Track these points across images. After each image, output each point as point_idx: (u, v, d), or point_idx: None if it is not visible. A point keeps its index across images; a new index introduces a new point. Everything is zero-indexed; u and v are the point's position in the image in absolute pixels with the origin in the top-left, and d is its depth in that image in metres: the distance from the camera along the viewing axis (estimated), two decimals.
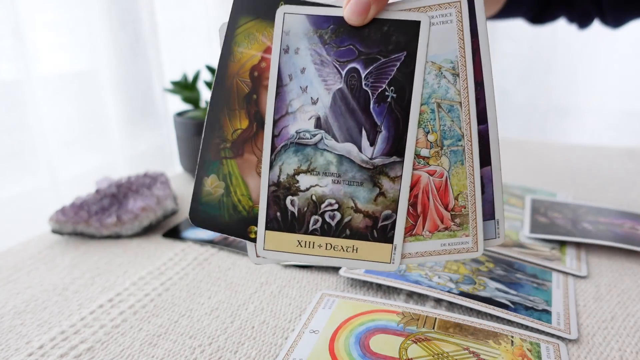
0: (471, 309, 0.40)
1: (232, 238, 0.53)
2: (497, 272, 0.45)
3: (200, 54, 0.95)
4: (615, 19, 0.68)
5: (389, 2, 0.32)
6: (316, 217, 0.34)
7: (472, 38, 0.32)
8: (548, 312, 0.40)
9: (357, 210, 0.34)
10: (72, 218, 0.52)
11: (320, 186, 0.34)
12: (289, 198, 0.34)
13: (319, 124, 0.33)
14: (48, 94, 0.68)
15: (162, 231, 0.55)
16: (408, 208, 0.33)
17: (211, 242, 0.52)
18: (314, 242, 0.34)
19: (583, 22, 0.71)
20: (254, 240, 0.34)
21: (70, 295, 0.44)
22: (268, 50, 0.33)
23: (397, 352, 0.35)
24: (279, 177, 0.34)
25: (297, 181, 0.34)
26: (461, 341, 0.36)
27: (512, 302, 0.40)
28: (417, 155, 0.33)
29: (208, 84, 0.71)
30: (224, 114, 0.34)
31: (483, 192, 0.33)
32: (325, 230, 0.34)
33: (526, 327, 0.38)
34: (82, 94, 0.74)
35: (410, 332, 0.37)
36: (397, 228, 0.33)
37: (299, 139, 0.33)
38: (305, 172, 0.34)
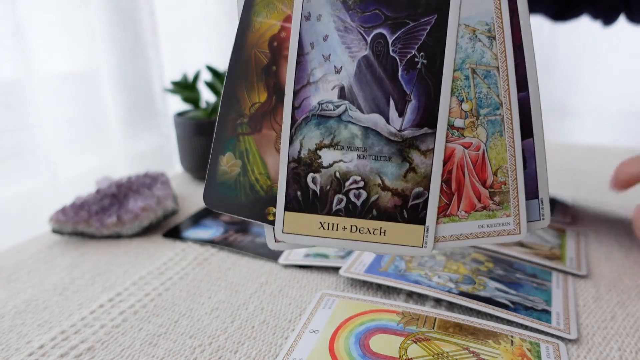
0: (471, 309, 0.40)
1: (232, 238, 0.53)
2: (497, 272, 0.45)
3: (200, 54, 0.95)
4: None
5: None
6: (340, 196, 0.31)
7: None
8: (548, 312, 0.40)
9: (384, 188, 0.31)
10: (72, 218, 0.52)
11: (345, 162, 0.31)
12: (310, 175, 0.31)
13: (342, 94, 0.31)
14: (48, 94, 0.68)
15: (162, 231, 0.55)
16: (441, 185, 0.30)
17: (211, 242, 0.52)
18: (337, 224, 0.31)
19: (609, 18, 0.67)
20: (272, 222, 0.32)
21: (70, 295, 0.44)
22: (288, 19, 0.31)
23: (397, 352, 0.35)
24: (299, 152, 0.31)
25: (319, 157, 0.31)
26: (461, 341, 0.36)
27: (512, 302, 0.40)
28: (451, 126, 0.30)
29: (208, 84, 0.71)
30: (241, 88, 0.32)
31: (525, 167, 0.29)
32: (350, 211, 0.31)
33: (526, 327, 0.38)
34: (82, 94, 0.74)
35: (410, 332, 0.37)
36: (429, 208, 0.30)
37: (321, 110, 0.31)
38: (328, 146, 0.31)
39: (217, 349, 0.37)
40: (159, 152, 0.86)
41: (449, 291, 0.41)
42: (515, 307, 0.40)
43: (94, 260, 0.49)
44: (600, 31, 0.80)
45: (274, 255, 0.49)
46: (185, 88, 0.70)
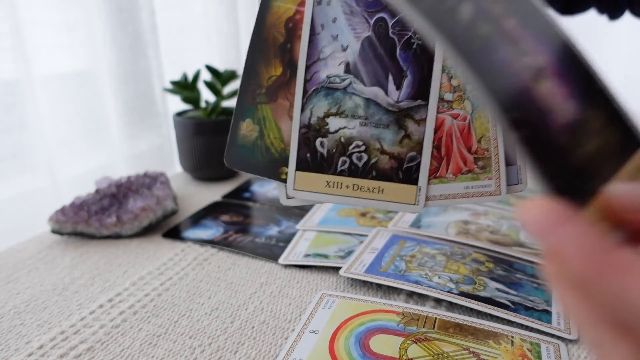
0: (471, 309, 0.40)
1: (232, 238, 0.53)
2: (497, 272, 0.45)
3: (200, 54, 0.95)
4: None
5: None
6: (344, 158, 0.35)
7: None
8: (548, 312, 0.40)
9: (383, 151, 0.35)
10: (72, 218, 0.52)
11: (349, 128, 0.35)
12: (318, 140, 0.36)
13: (348, 70, 0.35)
14: (48, 94, 0.68)
15: (162, 231, 0.55)
16: (432, 150, 0.34)
17: (211, 242, 0.52)
18: (341, 183, 0.35)
19: (613, 13, 0.70)
20: (284, 181, 0.36)
21: (70, 295, 0.44)
22: (302, 3, 0.35)
23: (397, 352, 0.35)
24: (309, 119, 0.36)
25: (327, 123, 0.36)
26: (461, 341, 0.36)
27: (512, 302, 0.40)
28: (441, 99, 0.34)
29: (208, 84, 0.71)
30: (260, 63, 0.36)
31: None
32: (353, 171, 0.35)
33: (526, 327, 0.38)
34: (82, 94, 0.74)
35: (410, 332, 0.37)
36: (421, 170, 0.34)
37: (329, 83, 0.35)
38: (335, 114, 0.36)
39: (217, 349, 0.36)
40: (158, 152, 0.85)
41: (449, 291, 0.41)
42: (516, 308, 0.40)
43: (94, 260, 0.49)
44: (600, 31, 0.80)
45: (274, 256, 0.49)
46: (185, 88, 0.70)
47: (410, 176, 0.34)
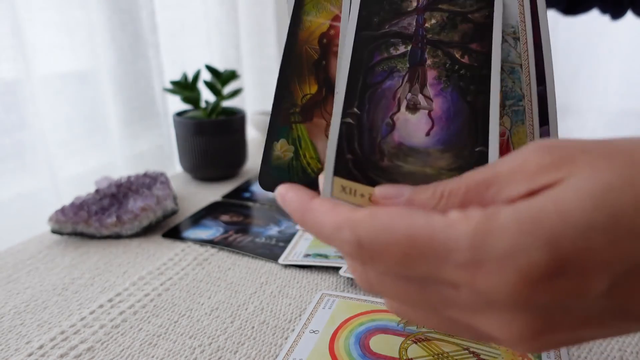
0: None
1: (232, 238, 0.53)
2: None
3: (200, 54, 0.95)
4: None
5: None
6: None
7: (531, 3, 0.33)
8: None
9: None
10: (71, 218, 0.52)
11: None
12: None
13: None
14: (48, 94, 0.68)
15: (162, 231, 0.55)
16: None
17: (211, 242, 0.52)
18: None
19: (616, 12, 0.71)
20: None
21: (70, 295, 0.44)
22: (337, 18, 0.35)
23: (397, 352, 0.35)
24: None
25: None
26: (461, 341, 0.36)
27: None
28: None
29: (208, 84, 0.71)
30: (293, 80, 0.35)
31: None
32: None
33: None
34: (82, 94, 0.74)
35: (410, 332, 0.37)
36: None
37: None
38: None
39: (217, 349, 0.36)
40: (158, 152, 0.85)
41: None
42: None
43: (94, 260, 0.49)
44: (601, 31, 0.80)
45: (274, 256, 0.49)
46: (185, 88, 0.70)
47: None
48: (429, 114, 0.33)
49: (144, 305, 0.42)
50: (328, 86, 0.35)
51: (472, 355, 0.34)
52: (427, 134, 0.33)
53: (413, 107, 0.33)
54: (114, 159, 0.79)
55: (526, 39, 0.33)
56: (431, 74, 0.33)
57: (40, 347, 0.37)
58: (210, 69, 0.71)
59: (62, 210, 0.52)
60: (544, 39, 0.33)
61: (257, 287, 0.44)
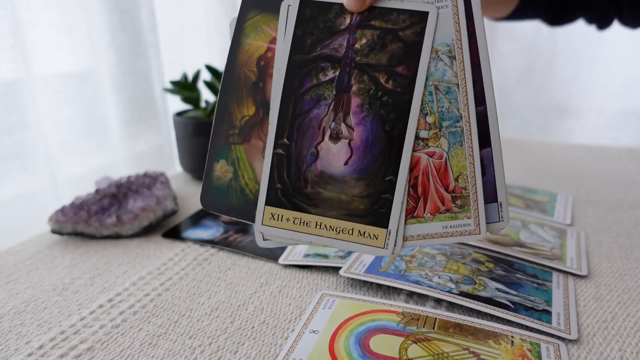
0: (471, 309, 0.40)
1: (232, 238, 0.53)
2: (498, 272, 0.45)
3: (200, 54, 0.95)
4: (633, 18, 0.66)
5: None
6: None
7: (468, 22, 0.32)
8: (548, 312, 0.40)
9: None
10: (71, 218, 0.52)
11: None
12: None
13: None
14: (48, 94, 0.68)
15: (162, 231, 0.55)
16: (408, 190, 0.33)
17: (211, 242, 0.52)
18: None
19: (602, 22, 0.69)
20: None
21: (70, 295, 0.44)
22: (274, 40, 0.35)
23: (397, 352, 0.35)
24: None
25: None
26: (461, 341, 0.36)
27: (513, 302, 0.40)
28: (417, 137, 0.33)
29: (208, 84, 0.71)
30: (232, 102, 0.36)
31: (484, 174, 0.33)
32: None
33: (526, 327, 0.38)
34: (82, 94, 0.74)
35: (410, 332, 0.37)
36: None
37: None
38: None
39: (217, 349, 0.36)
40: (158, 152, 0.85)
41: (449, 291, 0.41)
42: (516, 308, 0.40)
43: (94, 260, 0.49)
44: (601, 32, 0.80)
45: (274, 256, 0.49)
46: (185, 88, 0.70)
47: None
48: (349, 144, 0.34)
49: (144, 305, 0.42)
50: (265, 108, 0.35)
51: (472, 355, 0.34)
52: (346, 163, 0.34)
53: (335, 137, 0.34)
54: (114, 159, 0.79)
55: (462, 57, 0.32)
56: (355, 102, 0.34)
57: (40, 347, 0.37)
58: (210, 69, 0.71)
59: (62, 210, 0.52)
60: (482, 58, 0.32)
61: (257, 287, 0.44)
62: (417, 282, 0.42)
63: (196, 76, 0.71)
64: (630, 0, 0.63)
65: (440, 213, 0.33)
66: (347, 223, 0.34)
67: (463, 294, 0.41)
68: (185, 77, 0.71)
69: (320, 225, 0.34)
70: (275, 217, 0.34)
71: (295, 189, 0.34)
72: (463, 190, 0.33)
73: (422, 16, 0.32)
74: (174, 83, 0.71)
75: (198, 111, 0.72)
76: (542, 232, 0.54)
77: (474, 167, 0.32)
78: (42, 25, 0.67)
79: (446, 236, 0.33)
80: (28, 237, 0.55)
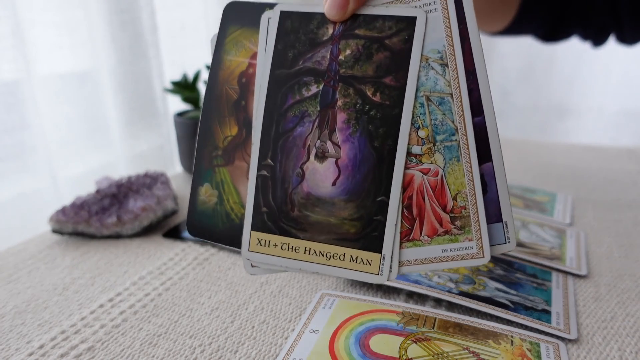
0: (471, 309, 0.40)
1: None
2: (497, 271, 0.45)
3: (200, 54, 0.95)
4: (633, 34, 0.65)
5: None
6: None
7: (460, 25, 0.29)
8: (548, 312, 0.40)
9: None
10: (72, 218, 0.52)
11: None
12: None
13: None
14: (48, 94, 0.68)
15: (162, 231, 0.55)
16: (403, 211, 0.30)
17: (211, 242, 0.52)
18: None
19: (598, 38, 0.67)
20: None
21: (70, 295, 0.44)
22: (255, 56, 0.33)
23: (397, 352, 0.35)
24: None
25: None
26: (461, 341, 0.36)
27: (512, 302, 0.40)
28: (409, 153, 0.30)
29: None
30: (215, 122, 0.34)
31: (485, 192, 0.30)
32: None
33: (526, 327, 0.38)
34: (82, 94, 0.74)
35: (410, 332, 0.37)
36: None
37: None
38: None
39: (217, 349, 0.37)
40: (159, 152, 0.85)
41: (449, 291, 0.41)
42: (515, 307, 0.40)
43: (94, 260, 0.49)
44: None
45: None
46: (185, 88, 0.70)
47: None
48: (336, 162, 0.32)
49: (145, 305, 0.42)
50: (248, 127, 0.33)
51: (472, 355, 0.35)
52: (334, 183, 0.32)
53: (321, 156, 0.32)
54: (114, 159, 0.79)
55: (455, 64, 0.29)
56: (341, 117, 0.31)
57: (41, 346, 0.37)
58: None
59: (63, 210, 0.52)
60: (477, 64, 0.30)
61: (257, 286, 0.45)
62: (417, 282, 0.42)
63: (196, 76, 0.71)
64: (632, 13, 0.62)
65: (438, 235, 0.30)
66: (338, 248, 0.32)
67: (463, 294, 0.41)
68: (185, 77, 0.71)
69: (310, 251, 0.32)
70: (262, 242, 0.33)
71: (282, 212, 0.32)
72: (462, 210, 0.30)
73: (410, 22, 0.30)
74: (174, 83, 0.71)
75: (198, 111, 0.72)
76: (541, 232, 0.54)
77: (473, 184, 0.30)
78: (43, 25, 0.67)
79: (446, 260, 0.30)
80: (29, 237, 0.55)
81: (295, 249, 0.32)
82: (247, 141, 0.33)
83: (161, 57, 0.82)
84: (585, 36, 0.69)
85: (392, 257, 0.31)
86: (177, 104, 0.80)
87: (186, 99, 0.71)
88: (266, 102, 0.32)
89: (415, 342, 0.36)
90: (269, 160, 0.32)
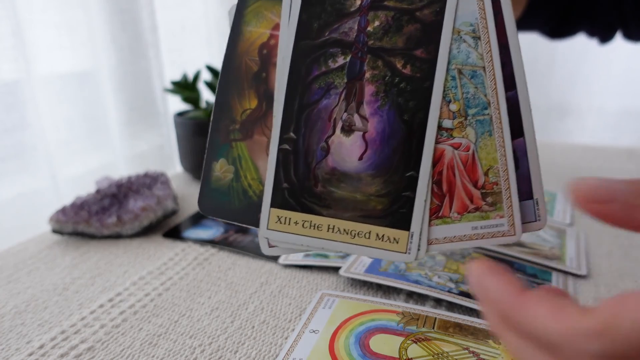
0: (471, 309, 0.40)
1: (232, 237, 0.53)
2: None
3: (200, 54, 0.95)
4: (638, 31, 0.64)
5: None
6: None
7: None
8: None
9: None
10: (72, 218, 0.52)
11: None
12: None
13: None
14: (48, 94, 0.68)
15: (162, 231, 0.55)
16: (432, 187, 0.29)
17: (211, 242, 0.52)
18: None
19: (605, 35, 0.67)
20: None
21: (70, 295, 0.44)
22: (277, 27, 0.32)
23: (397, 352, 0.35)
24: None
25: None
26: (461, 341, 0.36)
27: None
28: (439, 127, 0.29)
29: (208, 84, 0.71)
30: (232, 95, 0.32)
31: (517, 168, 0.29)
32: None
33: None
34: (82, 94, 0.74)
35: (410, 331, 0.37)
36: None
37: None
38: None
39: (217, 349, 0.37)
40: (159, 152, 0.86)
41: (449, 291, 0.41)
42: None
43: (94, 260, 0.49)
44: None
45: (274, 256, 0.49)
46: (185, 88, 0.70)
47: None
48: (364, 136, 0.30)
49: (145, 305, 0.42)
50: (268, 100, 0.32)
51: (472, 355, 0.35)
52: (360, 158, 0.30)
53: (348, 129, 0.30)
54: (114, 159, 0.79)
55: (488, 37, 0.29)
56: (369, 90, 0.30)
57: (41, 346, 0.37)
58: (210, 69, 0.71)
59: (63, 210, 0.52)
60: (510, 38, 0.29)
61: (257, 287, 0.45)
62: (417, 282, 0.42)
63: (196, 76, 0.71)
64: (637, 10, 0.62)
65: (468, 212, 0.29)
66: (363, 225, 0.30)
67: (463, 294, 0.41)
68: (185, 77, 0.71)
69: (333, 229, 0.31)
70: (282, 220, 0.31)
71: (304, 189, 0.31)
72: (494, 186, 0.29)
73: None
74: (174, 83, 0.71)
75: (198, 111, 0.72)
76: (541, 232, 0.54)
77: (505, 160, 0.29)
78: (43, 25, 0.67)
79: (476, 238, 0.29)
80: (29, 237, 0.55)
81: (317, 227, 0.31)
82: (268, 114, 0.32)
83: (161, 57, 0.83)
84: (592, 32, 0.69)
85: (420, 235, 0.29)
86: (177, 104, 0.81)
87: (186, 99, 0.71)
88: (289, 74, 0.31)
89: (415, 342, 0.36)
90: (292, 134, 0.31)
